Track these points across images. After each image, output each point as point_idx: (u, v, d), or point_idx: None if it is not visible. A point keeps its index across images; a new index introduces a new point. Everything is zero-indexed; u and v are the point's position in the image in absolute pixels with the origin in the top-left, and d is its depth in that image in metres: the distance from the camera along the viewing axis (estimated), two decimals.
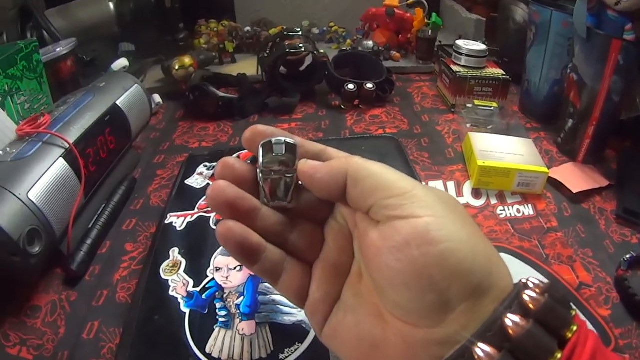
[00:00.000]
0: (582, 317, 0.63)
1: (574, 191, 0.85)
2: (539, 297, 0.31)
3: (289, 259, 0.40)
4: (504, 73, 1.16)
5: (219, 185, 0.37)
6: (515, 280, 0.33)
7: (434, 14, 1.43)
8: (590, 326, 0.62)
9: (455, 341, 0.30)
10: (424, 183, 0.83)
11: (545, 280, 0.33)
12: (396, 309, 0.33)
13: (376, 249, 0.34)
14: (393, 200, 0.33)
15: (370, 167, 0.36)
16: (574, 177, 0.88)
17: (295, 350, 0.56)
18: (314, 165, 0.38)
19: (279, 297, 0.61)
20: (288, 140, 0.38)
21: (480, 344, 0.29)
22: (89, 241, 0.72)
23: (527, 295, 0.31)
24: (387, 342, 0.34)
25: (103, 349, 0.58)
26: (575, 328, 0.30)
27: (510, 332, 0.29)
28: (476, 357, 0.29)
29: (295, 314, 0.59)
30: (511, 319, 0.30)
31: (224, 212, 0.37)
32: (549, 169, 0.85)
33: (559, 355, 0.28)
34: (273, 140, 0.38)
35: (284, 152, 0.38)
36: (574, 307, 0.33)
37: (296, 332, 0.57)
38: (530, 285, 0.32)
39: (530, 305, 0.30)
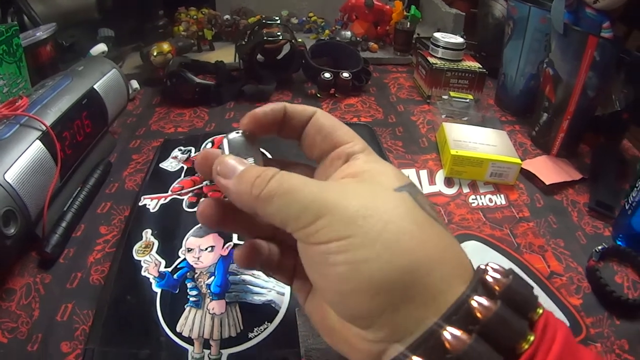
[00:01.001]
0: (553, 306, 0.64)
1: (547, 183, 0.86)
2: (502, 279, 0.30)
3: (272, 246, 0.43)
4: (481, 66, 1.17)
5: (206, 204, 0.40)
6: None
7: (413, 7, 1.44)
8: (561, 314, 0.63)
9: (390, 344, 0.30)
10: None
11: (506, 266, 0.33)
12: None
13: (300, 253, 0.35)
14: (303, 232, 0.32)
15: (277, 201, 0.32)
16: (547, 170, 0.90)
17: (265, 329, 0.56)
18: (221, 182, 0.36)
19: (249, 277, 0.62)
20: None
21: (449, 328, 0.28)
22: (63, 224, 0.72)
23: (491, 276, 0.30)
24: (338, 328, 0.35)
25: (76, 331, 0.59)
26: (541, 311, 0.30)
27: (478, 314, 0.28)
28: (445, 340, 0.28)
29: (264, 294, 0.60)
30: (478, 301, 0.29)
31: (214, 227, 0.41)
32: (522, 161, 0.86)
33: (532, 338, 0.28)
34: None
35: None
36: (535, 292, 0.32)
37: (265, 312, 0.58)
38: (490, 270, 0.31)
39: (496, 287, 0.30)
